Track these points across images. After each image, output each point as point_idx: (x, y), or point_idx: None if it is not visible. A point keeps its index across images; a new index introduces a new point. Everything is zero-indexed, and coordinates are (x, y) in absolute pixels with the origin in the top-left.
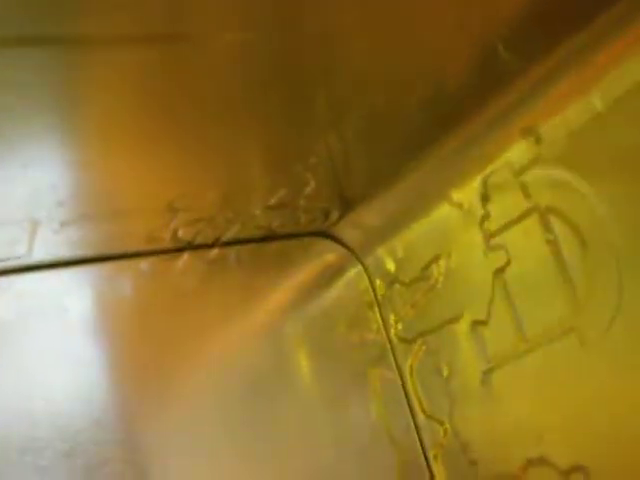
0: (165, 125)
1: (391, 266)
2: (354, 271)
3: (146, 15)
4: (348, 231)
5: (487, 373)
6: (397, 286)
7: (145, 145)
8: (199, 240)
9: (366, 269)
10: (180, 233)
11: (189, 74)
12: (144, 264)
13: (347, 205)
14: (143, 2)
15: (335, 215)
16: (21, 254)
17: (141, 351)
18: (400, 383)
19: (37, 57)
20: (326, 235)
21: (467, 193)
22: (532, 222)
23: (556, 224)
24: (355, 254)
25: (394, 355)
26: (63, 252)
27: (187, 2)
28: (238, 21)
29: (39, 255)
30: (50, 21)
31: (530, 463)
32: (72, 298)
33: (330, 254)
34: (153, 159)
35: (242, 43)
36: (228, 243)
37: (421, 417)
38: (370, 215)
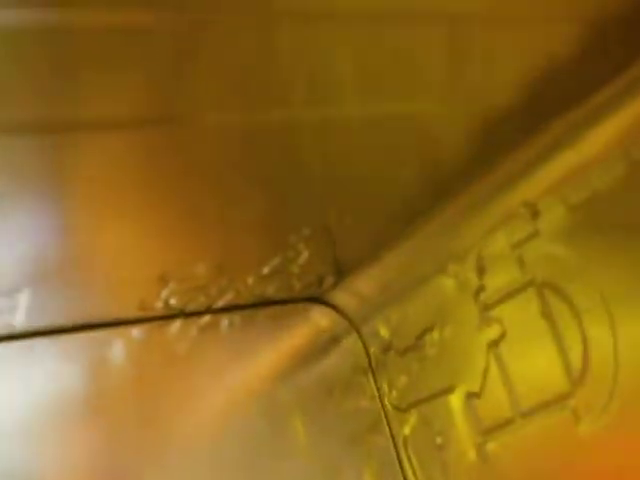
0: (156, 197)
1: (385, 333)
2: (348, 337)
3: (132, 99)
4: (343, 297)
5: (482, 445)
6: (391, 354)
7: (137, 216)
8: (191, 307)
9: (360, 336)
10: (172, 301)
11: (180, 152)
12: (136, 331)
13: (342, 272)
14: (128, 87)
15: (330, 281)
16: (9, 322)
17: (134, 417)
18: (394, 451)
19: (28, 141)
20: (320, 301)
21: (463, 264)
22: (528, 296)
23: (552, 298)
24: (349, 320)
25: (388, 423)
26: (53, 320)
27: (173, 86)
28: (226, 101)
29: (28, 323)
30: (39, 107)
31: None
32: (63, 366)
33: (324, 320)
34: (144, 230)
35: (231, 122)
36: (221, 310)
37: None
38: (365, 282)
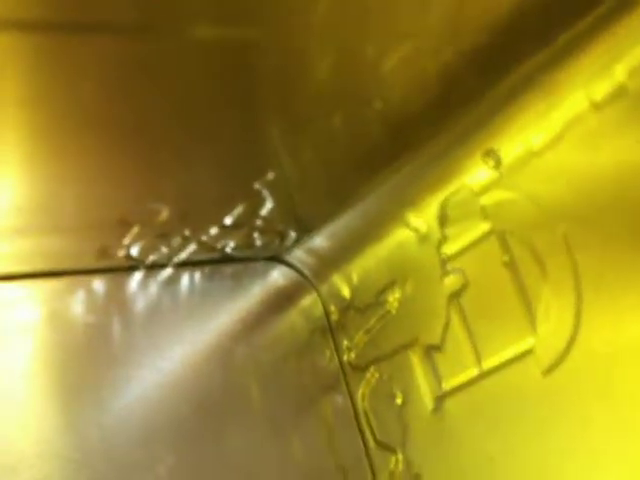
0: (118, 130)
1: (346, 292)
2: (308, 297)
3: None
4: (303, 257)
5: (441, 399)
6: (351, 312)
7: (95, 154)
8: (153, 259)
9: (320, 295)
10: (133, 251)
11: (149, 72)
12: (96, 281)
13: (303, 229)
14: None
15: (290, 240)
16: None
17: (90, 368)
18: (352, 411)
19: None
20: (281, 260)
21: (424, 216)
22: (490, 245)
23: (514, 246)
24: (309, 280)
25: (347, 382)
26: (12, 266)
27: None
28: (210, 14)
29: None
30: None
31: None
32: (21, 312)
33: (284, 280)
34: (103, 169)
35: (210, 41)
36: (182, 264)
37: (372, 446)
38: (326, 240)
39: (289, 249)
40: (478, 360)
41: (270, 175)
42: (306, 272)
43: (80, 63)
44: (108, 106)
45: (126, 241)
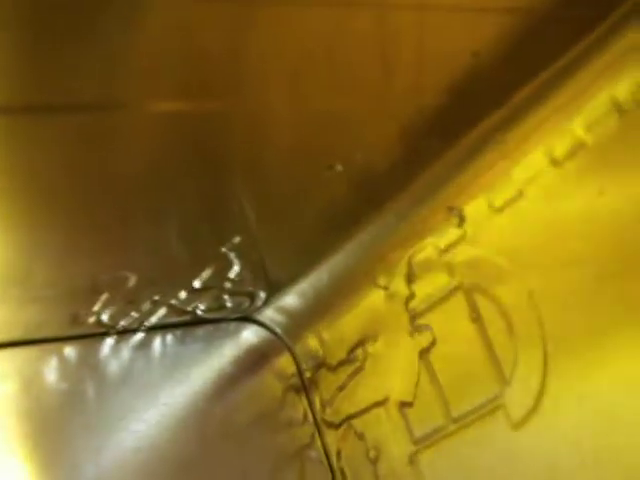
0: (85, 203)
1: (318, 350)
2: (280, 355)
3: (80, 82)
4: (274, 315)
5: (414, 455)
6: (324, 370)
7: (64, 223)
8: (124, 324)
9: (292, 353)
10: (104, 317)
11: (114, 145)
12: (68, 349)
13: (272, 289)
14: (78, 70)
15: (261, 299)
16: None
17: (65, 435)
18: (328, 468)
19: None
20: (252, 320)
21: (392, 273)
22: (457, 301)
23: (481, 302)
24: (281, 338)
25: (322, 440)
26: None
27: (122, 69)
28: (171, 89)
29: None
30: None
31: None
32: None
33: (256, 339)
34: (72, 238)
35: (172, 114)
36: (153, 328)
37: None
38: (296, 298)
39: (260, 308)
40: (449, 415)
41: (237, 239)
42: (278, 330)
43: (46, 141)
44: (74, 180)
45: (96, 308)
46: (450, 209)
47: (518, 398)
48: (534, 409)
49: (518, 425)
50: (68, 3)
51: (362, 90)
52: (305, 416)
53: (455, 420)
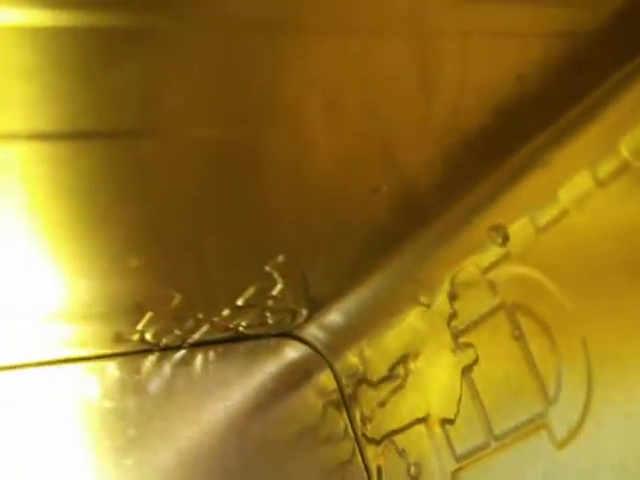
0: (130, 226)
1: (359, 366)
2: (321, 371)
3: (124, 110)
4: (315, 332)
5: (456, 472)
6: (364, 386)
7: (110, 248)
8: (167, 341)
9: (333, 369)
10: (148, 335)
11: (157, 171)
12: (111, 366)
13: (314, 306)
14: (122, 98)
15: (302, 316)
16: None
17: (109, 452)
18: None
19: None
20: (293, 336)
21: (435, 292)
22: (499, 319)
23: (523, 321)
24: (322, 355)
25: (362, 456)
26: (31, 354)
27: (160, 99)
28: (206, 116)
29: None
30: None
31: None
32: (39, 399)
33: (297, 355)
34: (117, 262)
35: (214, 139)
36: (195, 345)
37: None
38: (337, 316)
39: (301, 325)
40: (491, 433)
41: (280, 258)
42: (319, 347)
43: (91, 168)
44: (119, 206)
45: (140, 326)
46: (494, 228)
47: (562, 417)
48: (578, 428)
49: (562, 444)
50: (112, 34)
51: (403, 114)
52: (345, 432)
53: (497, 438)
